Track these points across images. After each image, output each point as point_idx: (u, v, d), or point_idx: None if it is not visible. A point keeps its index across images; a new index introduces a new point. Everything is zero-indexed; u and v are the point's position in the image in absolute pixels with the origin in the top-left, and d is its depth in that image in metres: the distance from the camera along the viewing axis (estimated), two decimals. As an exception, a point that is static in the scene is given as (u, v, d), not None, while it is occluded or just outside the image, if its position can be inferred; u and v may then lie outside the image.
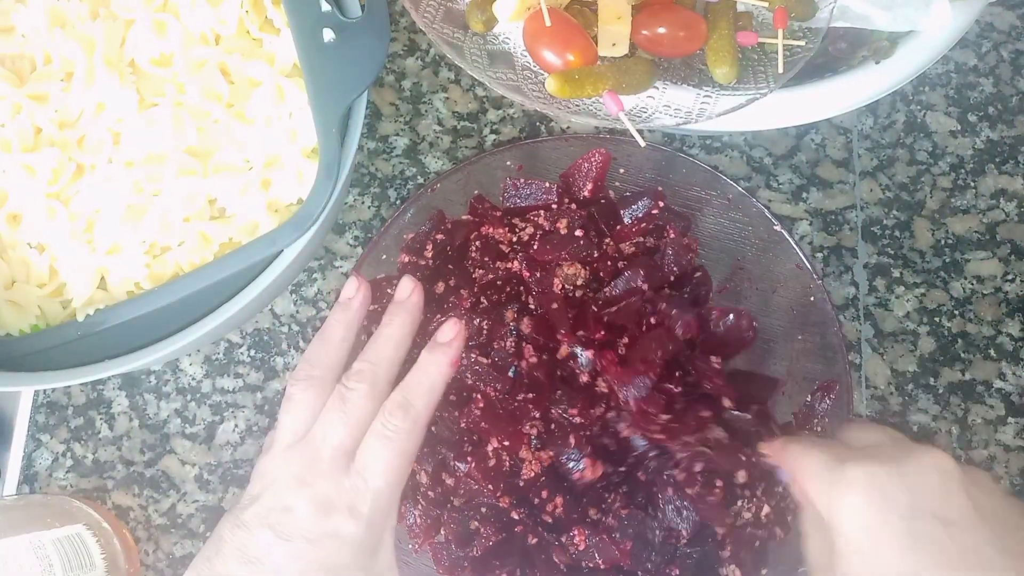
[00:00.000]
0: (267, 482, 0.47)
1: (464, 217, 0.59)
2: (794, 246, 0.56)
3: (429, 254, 0.57)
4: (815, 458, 0.42)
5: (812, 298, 0.56)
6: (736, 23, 0.52)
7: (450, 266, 0.57)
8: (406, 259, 0.57)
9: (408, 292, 0.52)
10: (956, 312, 0.63)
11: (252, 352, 0.63)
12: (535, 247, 0.56)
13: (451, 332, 0.51)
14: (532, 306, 0.54)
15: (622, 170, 0.59)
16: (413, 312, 0.52)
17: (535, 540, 0.52)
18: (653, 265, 0.55)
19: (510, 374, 0.51)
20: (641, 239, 0.57)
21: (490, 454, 0.51)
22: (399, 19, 0.68)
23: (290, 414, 0.48)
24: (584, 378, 0.52)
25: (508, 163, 0.59)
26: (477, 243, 0.57)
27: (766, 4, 0.52)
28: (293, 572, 0.44)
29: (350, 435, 0.47)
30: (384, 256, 0.57)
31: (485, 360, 0.52)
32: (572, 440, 0.51)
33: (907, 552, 0.38)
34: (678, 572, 0.51)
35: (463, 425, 0.52)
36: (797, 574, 0.52)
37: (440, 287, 0.56)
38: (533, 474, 0.51)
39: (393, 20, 0.68)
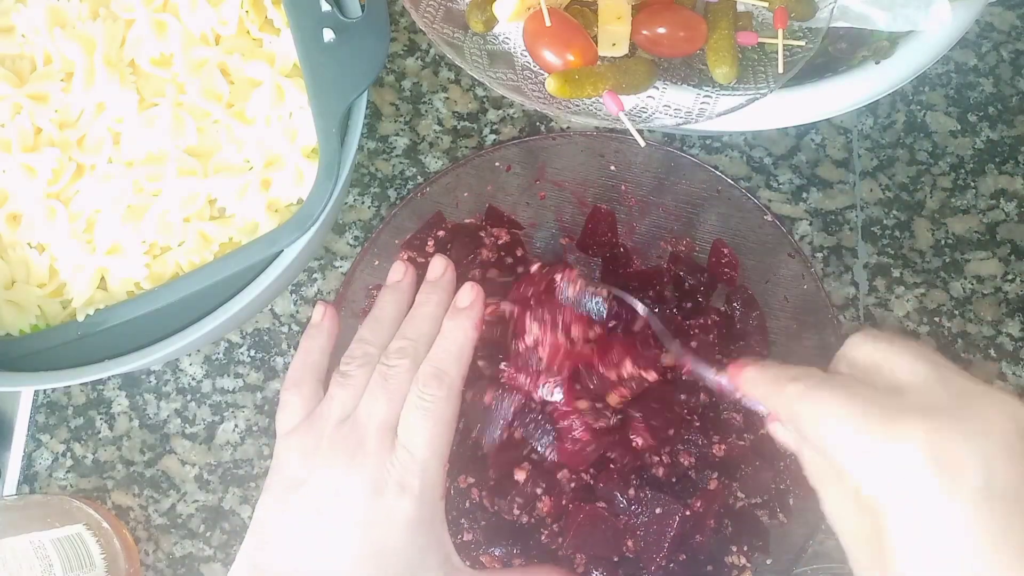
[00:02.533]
0: (315, 464, 0.46)
1: (468, 221, 0.59)
2: (795, 246, 0.56)
3: (431, 250, 0.57)
4: (844, 408, 0.33)
5: (812, 298, 0.56)
6: (736, 23, 0.52)
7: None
8: (406, 256, 0.57)
9: (442, 270, 0.53)
10: (956, 312, 0.63)
11: (252, 352, 0.63)
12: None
13: (470, 295, 0.51)
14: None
15: (612, 167, 0.59)
16: (448, 289, 0.52)
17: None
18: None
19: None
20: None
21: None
22: (399, 19, 0.68)
23: (346, 388, 0.48)
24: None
25: (496, 164, 0.59)
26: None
27: (766, 4, 0.52)
28: (346, 561, 0.44)
29: (392, 411, 0.47)
30: (377, 263, 0.57)
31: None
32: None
33: (987, 544, 0.29)
34: (685, 556, 0.51)
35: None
36: (809, 571, 0.52)
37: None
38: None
39: (393, 20, 0.68)
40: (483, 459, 0.53)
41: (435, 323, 0.50)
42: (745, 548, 0.52)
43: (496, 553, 0.51)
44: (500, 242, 0.57)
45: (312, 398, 0.50)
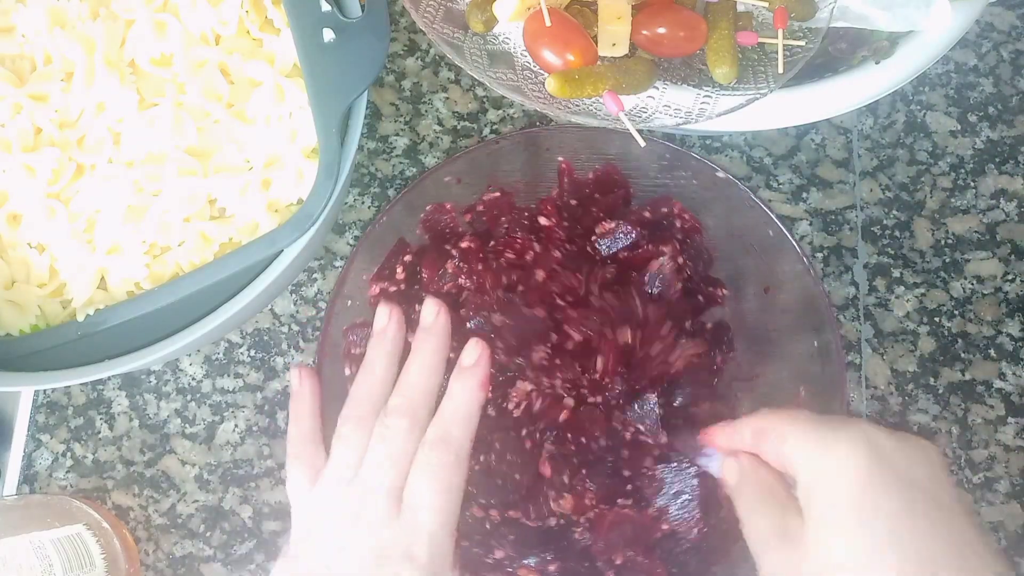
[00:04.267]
0: (322, 527, 0.45)
1: (424, 242, 0.59)
2: (795, 246, 0.56)
3: (401, 276, 0.57)
4: (801, 418, 0.41)
5: (812, 298, 0.56)
6: (736, 23, 0.52)
7: (417, 287, 0.57)
8: (377, 289, 0.57)
9: (433, 315, 0.51)
10: (956, 312, 0.63)
11: (252, 352, 0.63)
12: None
13: (474, 354, 0.49)
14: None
15: (597, 160, 0.60)
16: (441, 336, 0.50)
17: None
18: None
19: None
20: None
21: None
22: (399, 19, 0.68)
23: (347, 450, 0.47)
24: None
25: (446, 179, 0.59)
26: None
27: (766, 4, 0.52)
28: None
29: (398, 474, 0.46)
30: (349, 302, 0.57)
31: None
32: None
33: (906, 521, 0.36)
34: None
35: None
36: None
37: (417, 309, 0.56)
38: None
39: (393, 20, 0.68)
40: (495, 482, 0.52)
41: (433, 374, 0.49)
42: None
43: (532, 563, 0.51)
44: (463, 246, 0.56)
45: (314, 464, 0.49)
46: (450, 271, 0.55)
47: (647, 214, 0.58)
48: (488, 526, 0.52)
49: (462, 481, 0.46)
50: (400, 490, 0.45)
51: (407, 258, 0.57)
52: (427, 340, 0.50)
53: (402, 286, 0.57)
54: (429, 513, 0.45)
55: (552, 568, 0.51)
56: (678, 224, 0.58)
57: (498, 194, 0.59)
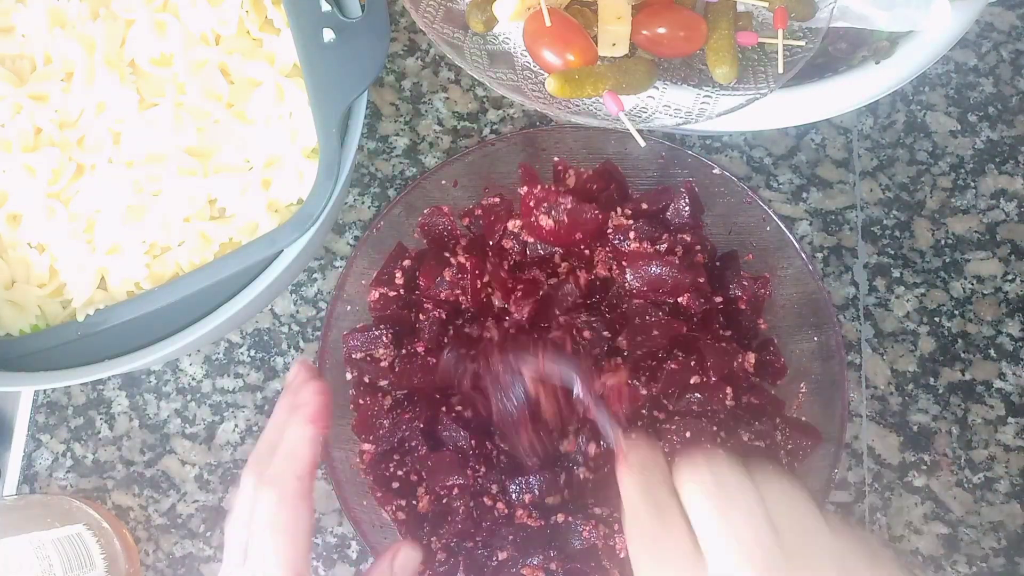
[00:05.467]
0: None
1: (424, 247, 0.59)
2: (795, 246, 0.56)
3: (400, 282, 0.57)
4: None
5: (812, 298, 0.56)
6: (736, 23, 0.52)
7: (416, 294, 0.57)
8: (376, 294, 0.57)
9: (293, 376, 0.47)
10: (956, 312, 0.63)
11: (252, 352, 0.63)
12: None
13: (304, 391, 0.46)
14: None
15: (596, 160, 0.60)
16: (296, 392, 0.46)
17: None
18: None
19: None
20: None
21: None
22: (399, 19, 0.68)
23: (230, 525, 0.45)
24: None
25: (443, 182, 0.59)
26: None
27: (766, 4, 0.52)
28: None
29: (245, 530, 0.44)
30: (349, 307, 0.57)
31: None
32: None
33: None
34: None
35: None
36: None
37: (417, 315, 0.56)
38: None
39: (393, 20, 0.68)
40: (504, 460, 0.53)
41: (279, 431, 0.46)
42: None
43: (535, 563, 0.51)
44: (460, 260, 0.56)
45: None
46: (447, 279, 0.55)
47: (645, 205, 0.58)
48: (489, 523, 0.52)
49: (300, 519, 0.44)
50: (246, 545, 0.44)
51: (406, 263, 0.58)
52: (283, 399, 0.47)
53: (401, 291, 0.57)
54: (265, 558, 0.43)
55: (554, 567, 0.51)
56: (678, 221, 0.58)
57: (497, 200, 0.59)
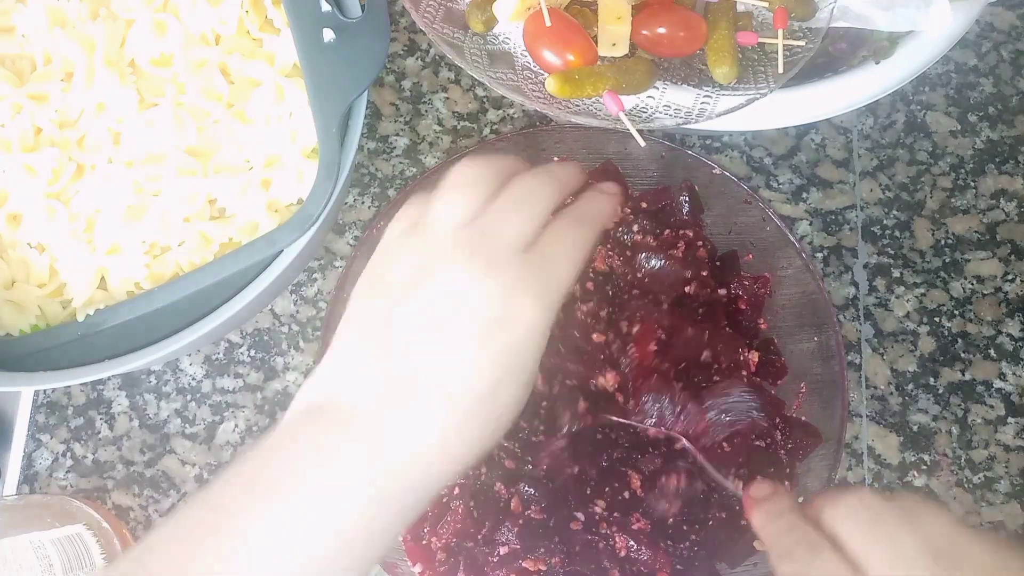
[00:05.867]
0: (434, 267, 0.38)
1: None
2: (795, 246, 0.56)
3: None
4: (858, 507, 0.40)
5: (812, 298, 0.56)
6: (736, 23, 0.52)
7: None
8: None
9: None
10: (956, 312, 0.63)
11: (252, 352, 0.63)
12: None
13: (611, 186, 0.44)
14: None
15: (596, 160, 0.60)
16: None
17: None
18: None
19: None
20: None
21: None
22: (399, 19, 0.68)
23: (463, 196, 0.40)
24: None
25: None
26: None
27: (766, 4, 0.52)
28: (482, 362, 0.37)
29: (530, 229, 0.39)
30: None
31: None
32: None
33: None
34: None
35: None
36: None
37: None
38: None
39: (393, 20, 0.68)
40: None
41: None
42: None
43: (536, 557, 0.51)
44: None
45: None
46: None
47: (645, 204, 0.58)
48: (497, 513, 0.52)
49: (589, 253, 0.41)
50: (530, 244, 0.39)
51: None
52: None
53: None
54: (566, 263, 0.39)
55: (555, 561, 0.51)
56: (678, 220, 0.58)
57: None
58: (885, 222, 0.65)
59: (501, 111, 0.67)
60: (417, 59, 0.68)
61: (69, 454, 0.62)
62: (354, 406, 0.36)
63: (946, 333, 0.63)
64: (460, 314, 0.37)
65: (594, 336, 0.54)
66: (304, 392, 0.38)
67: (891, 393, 0.62)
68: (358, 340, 0.38)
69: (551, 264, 0.39)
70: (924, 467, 0.61)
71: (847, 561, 0.38)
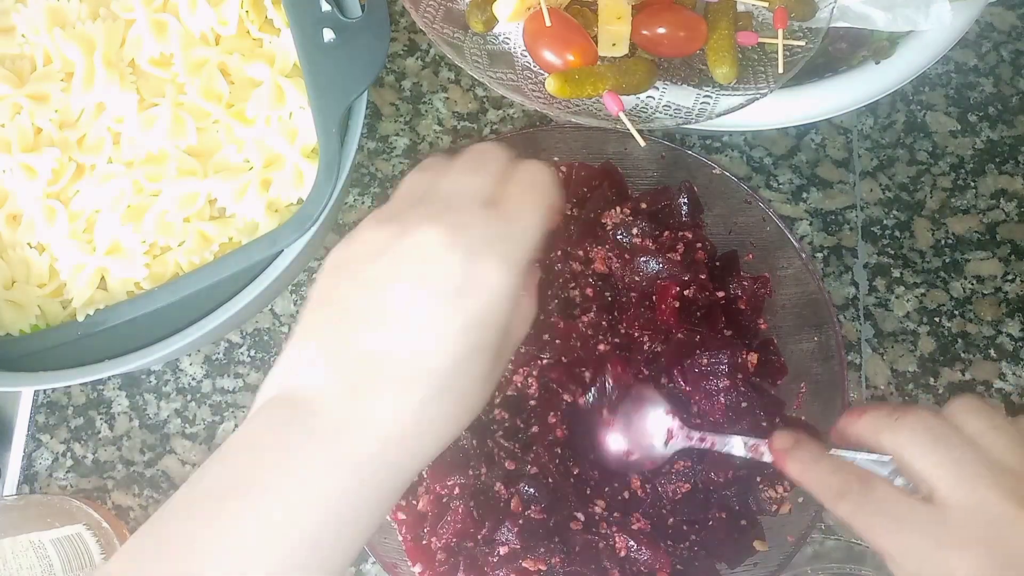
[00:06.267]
0: (394, 236, 0.38)
1: None
2: (795, 246, 0.56)
3: None
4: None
5: (812, 298, 0.56)
6: (736, 23, 0.52)
7: None
8: None
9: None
10: (956, 312, 0.63)
11: (252, 352, 0.63)
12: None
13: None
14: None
15: (596, 160, 0.60)
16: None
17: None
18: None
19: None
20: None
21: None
22: (399, 19, 0.68)
23: (422, 173, 0.40)
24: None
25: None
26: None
27: (766, 4, 0.52)
28: (448, 336, 0.35)
29: (490, 185, 0.39)
30: None
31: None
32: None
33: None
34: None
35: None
36: (809, 570, 0.53)
37: None
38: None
39: (393, 20, 0.68)
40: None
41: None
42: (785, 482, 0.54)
43: (536, 556, 0.51)
44: None
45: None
46: None
47: (644, 205, 0.58)
48: (497, 511, 0.52)
49: (555, 215, 0.40)
50: (490, 194, 0.38)
51: None
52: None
53: None
54: (531, 220, 0.38)
55: (555, 561, 0.51)
56: (677, 220, 0.58)
57: None
58: (885, 222, 0.65)
59: (501, 111, 0.67)
60: (417, 59, 0.68)
61: (69, 454, 0.62)
62: (317, 399, 0.35)
63: (946, 333, 0.63)
64: (424, 287, 0.36)
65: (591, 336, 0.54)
66: (268, 384, 0.36)
67: (891, 393, 0.62)
68: (320, 326, 0.37)
69: (515, 219, 0.37)
70: (924, 467, 0.61)
71: (901, 490, 0.39)
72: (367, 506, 0.35)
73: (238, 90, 0.56)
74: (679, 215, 0.58)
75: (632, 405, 0.52)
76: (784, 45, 0.51)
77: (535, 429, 0.53)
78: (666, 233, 0.56)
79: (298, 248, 0.52)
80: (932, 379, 0.62)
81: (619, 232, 0.56)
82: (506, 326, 0.37)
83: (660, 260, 0.54)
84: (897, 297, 0.63)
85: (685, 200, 0.58)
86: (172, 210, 0.54)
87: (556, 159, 0.59)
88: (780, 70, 0.51)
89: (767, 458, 0.46)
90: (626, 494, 0.53)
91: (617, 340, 0.55)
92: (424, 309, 0.35)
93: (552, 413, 0.53)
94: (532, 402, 0.54)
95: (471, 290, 0.35)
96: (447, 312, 0.35)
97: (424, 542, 0.53)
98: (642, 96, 0.52)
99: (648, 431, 0.51)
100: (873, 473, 0.40)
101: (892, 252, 0.64)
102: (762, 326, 0.58)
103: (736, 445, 0.48)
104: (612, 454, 0.52)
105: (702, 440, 0.50)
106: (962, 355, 0.62)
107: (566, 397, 0.54)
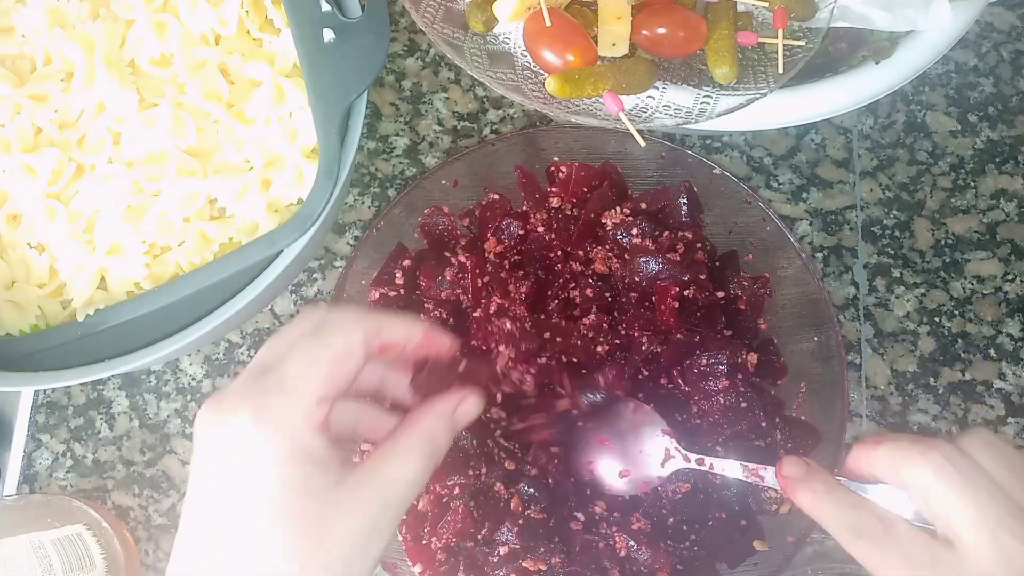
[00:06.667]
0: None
1: (424, 246, 0.60)
2: (795, 246, 0.56)
3: (400, 282, 0.57)
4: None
5: (812, 298, 0.56)
6: (736, 23, 0.52)
7: (417, 294, 0.57)
8: (376, 294, 0.57)
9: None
10: (956, 312, 0.63)
11: (252, 352, 0.63)
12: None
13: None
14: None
15: (596, 160, 0.60)
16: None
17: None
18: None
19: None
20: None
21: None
22: (399, 19, 0.68)
23: None
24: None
25: (443, 182, 0.59)
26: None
27: (766, 4, 0.52)
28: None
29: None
30: (345, 295, 0.57)
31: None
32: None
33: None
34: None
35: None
36: (809, 571, 0.53)
37: (418, 315, 0.56)
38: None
39: (393, 20, 0.68)
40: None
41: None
42: None
43: (536, 556, 0.51)
44: (460, 260, 0.56)
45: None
46: (448, 279, 0.55)
47: (644, 205, 0.58)
48: (494, 510, 0.52)
49: (345, 348, 0.38)
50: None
51: (406, 263, 0.58)
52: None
53: (401, 291, 0.57)
54: (301, 373, 0.38)
55: (555, 561, 0.51)
56: (677, 220, 0.58)
57: (496, 198, 0.59)
58: (885, 222, 0.65)
59: (501, 111, 0.67)
60: (417, 59, 0.68)
61: (69, 454, 0.62)
62: None
63: (946, 333, 0.63)
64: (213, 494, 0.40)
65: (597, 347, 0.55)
66: None
67: (891, 393, 0.62)
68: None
69: (286, 382, 0.37)
70: (924, 467, 0.61)
71: (921, 533, 0.38)
72: None
73: (238, 90, 0.56)
74: (679, 215, 0.58)
75: (627, 425, 0.52)
76: (784, 45, 0.51)
77: (533, 435, 0.53)
78: (666, 233, 0.56)
79: (298, 248, 0.52)
80: (932, 379, 0.62)
81: (619, 232, 0.56)
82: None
83: (660, 260, 0.54)
84: (897, 297, 0.63)
85: (685, 200, 0.58)
86: (172, 210, 0.54)
87: (556, 159, 0.60)
88: (780, 70, 0.51)
89: (769, 483, 0.46)
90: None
91: (617, 341, 0.55)
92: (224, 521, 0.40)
93: (548, 426, 0.53)
94: (531, 400, 0.54)
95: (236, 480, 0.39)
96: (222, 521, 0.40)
97: (424, 542, 0.53)
98: (642, 96, 0.52)
99: (645, 452, 0.51)
100: (891, 513, 0.39)
101: (892, 252, 0.64)
102: (762, 326, 0.58)
103: (735, 468, 0.47)
104: (607, 481, 0.51)
105: (700, 462, 0.50)
106: (962, 355, 0.62)
107: (562, 403, 0.53)
